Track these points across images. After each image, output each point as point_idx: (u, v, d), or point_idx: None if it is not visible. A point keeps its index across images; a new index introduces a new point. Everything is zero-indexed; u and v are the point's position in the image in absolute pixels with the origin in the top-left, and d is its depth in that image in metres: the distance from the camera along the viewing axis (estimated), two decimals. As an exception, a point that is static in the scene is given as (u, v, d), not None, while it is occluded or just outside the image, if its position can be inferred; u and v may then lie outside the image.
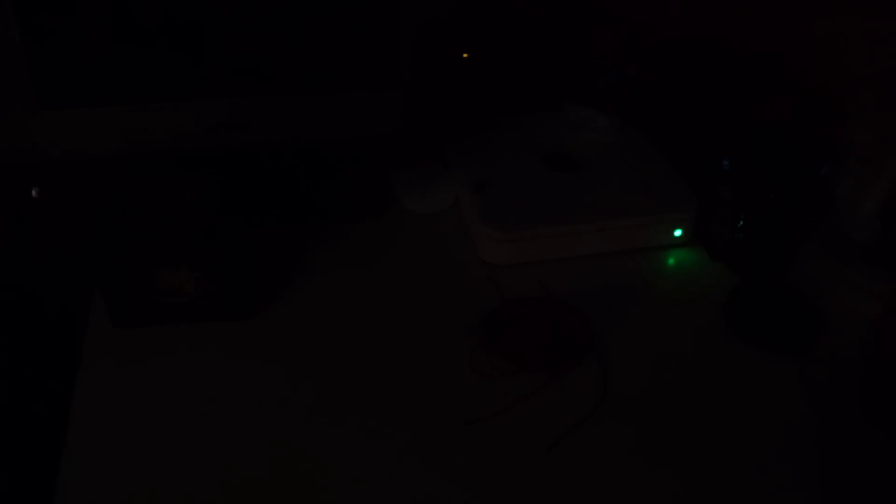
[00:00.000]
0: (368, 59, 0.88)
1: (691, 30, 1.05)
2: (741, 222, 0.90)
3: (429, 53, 0.88)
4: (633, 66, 1.09)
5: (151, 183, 0.84)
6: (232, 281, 0.80)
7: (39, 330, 1.11)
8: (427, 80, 0.89)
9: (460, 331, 0.83)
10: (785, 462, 0.72)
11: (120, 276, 0.78)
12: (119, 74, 0.84)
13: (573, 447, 0.72)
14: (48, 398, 1.03)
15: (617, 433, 0.74)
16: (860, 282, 0.89)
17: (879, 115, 0.93)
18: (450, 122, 0.93)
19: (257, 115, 0.88)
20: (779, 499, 0.69)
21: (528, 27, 1.12)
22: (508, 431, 0.73)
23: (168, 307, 0.81)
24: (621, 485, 0.70)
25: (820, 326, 0.85)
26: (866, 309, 0.84)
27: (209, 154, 0.94)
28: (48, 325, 1.10)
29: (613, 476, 0.70)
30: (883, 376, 0.75)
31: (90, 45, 0.82)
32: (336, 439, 0.72)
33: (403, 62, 0.88)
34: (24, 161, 0.87)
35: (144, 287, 0.79)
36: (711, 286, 0.89)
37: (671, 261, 0.94)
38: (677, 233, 0.94)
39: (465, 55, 0.89)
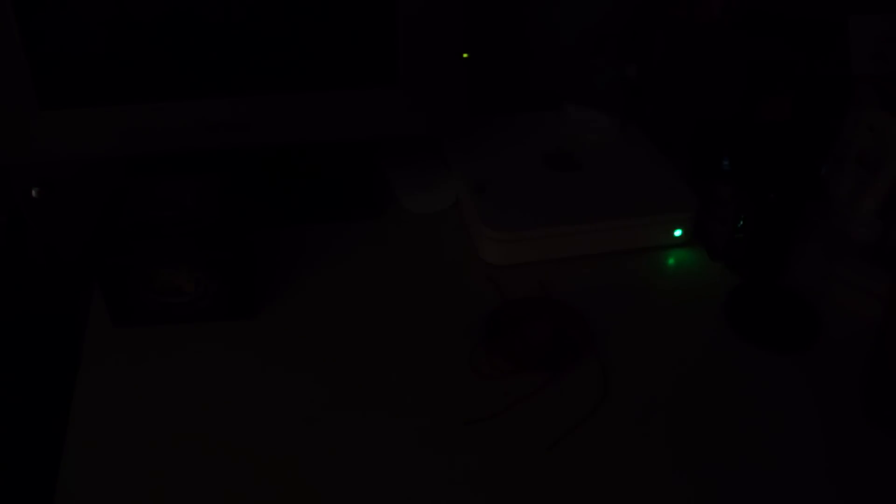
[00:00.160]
0: (368, 59, 0.88)
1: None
2: (741, 222, 0.90)
3: (429, 53, 0.88)
4: (633, 66, 1.09)
5: (151, 183, 0.84)
6: (232, 281, 0.80)
7: (39, 330, 1.11)
8: (427, 80, 0.89)
9: (460, 331, 0.83)
10: (785, 462, 0.72)
11: (120, 276, 0.78)
12: (119, 74, 0.84)
13: (573, 447, 0.72)
14: (48, 398, 1.03)
15: (617, 433, 0.74)
16: (860, 282, 0.89)
17: (879, 115, 0.93)
18: (449, 122, 0.93)
19: (257, 115, 0.88)
20: (779, 499, 0.69)
21: (528, 27, 1.12)
22: (508, 431, 0.73)
23: (168, 307, 0.81)
24: (621, 485, 0.70)
25: (820, 326, 0.85)
26: (866, 309, 0.84)
27: (209, 154, 0.94)
28: (48, 325, 1.10)
29: (613, 476, 0.70)
30: (883, 376, 0.75)
31: (90, 45, 0.82)
32: (336, 439, 0.72)
33: (403, 62, 0.88)
34: (24, 161, 0.87)
35: (144, 287, 0.79)
36: (711, 286, 0.89)
37: (671, 261, 0.94)
38: (677, 233, 0.94)
39: (465, 55, 0.89)
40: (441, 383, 0.78)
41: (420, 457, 0.71)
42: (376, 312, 0.85)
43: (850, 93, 0.99)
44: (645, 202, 0.93)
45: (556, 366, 0.79)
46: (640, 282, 0.90)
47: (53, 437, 0.76)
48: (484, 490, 0.69)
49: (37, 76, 0.81)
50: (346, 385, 0.77)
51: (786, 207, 0.91)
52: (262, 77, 0.87)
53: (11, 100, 0.82)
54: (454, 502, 0.68)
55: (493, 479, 0.70)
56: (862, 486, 0.71)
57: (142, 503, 0.67)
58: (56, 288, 1.10)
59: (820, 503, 0.69)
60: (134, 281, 0.79)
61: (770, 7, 1.03)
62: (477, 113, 1.04)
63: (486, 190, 0.94)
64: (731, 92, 1.04)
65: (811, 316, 0.86)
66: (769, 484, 0.70)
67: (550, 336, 0.82)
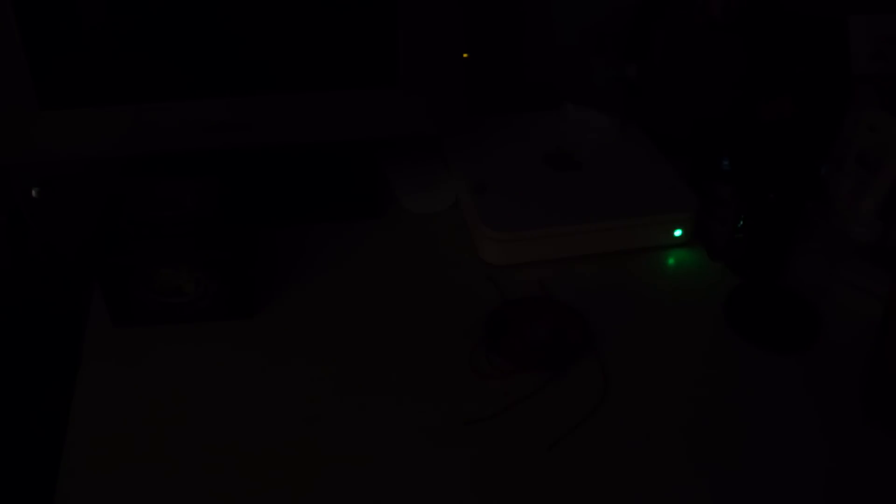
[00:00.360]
0: (368, 59, 0.88)
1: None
2: (741, 222, 0.90)
3: (429, 53, 0.88)
4: (633, 66, 1.09)
5: (151, 183, 0.84)
6: (232, 281, 0.80)
7: (39, 330, 1.11)
8: (427, 80, 0.89)
9: (460, 331, 0.83)
10: (785, 462, 0.72)
11: (120, 276, 0.78)
12: (119, 74, 0.84)
13: (573, 447, 0.72)
14: (48, 398, 1.03)
15: (617, 433, 0.74)
16: (860, 282, 0.89)
17: (879, 115, 0.93)
18: (449, 122, 0.93)
19: (257, 115, 0.88)
20: (779, 498, 0.69)
21: (528, 27, 1.12)
22: (508, 431, 0.74)
23: (168, 307, 0.81)
24: (621, 485, 0.70)
25: (820, 326, 0.85)
26: (866, 309, 0.84)
27: (209, 154, 0.94)
28: (48, 325, 1.10)
29: (613, 476, 0.70)
30: (883, 376, 0.75)
31: (90, 45, 0.82)
32: (336, 439, 0.72)
33: (403, 62, 0.88)
34: (24, 161, 0.87)
35: (144, 287, 0.79)
36: (711, 286, 0.89)
37: (671, 261, 0.94)
38: (677, 233, 0.94)
39: (465, 55, 0.89)
40: (441, 383, 0.78)
41: (420, 456, 0.71)
42: (376, 312, 0.85)
43: (850, 93, 0.99)
44: (645, 202, 0.93)
45: (556, 366, 0.79)
46: (640, 282, 0.90)
47: (53, 437, 0.76)
48: (484, 490, 0.69)
49: (37, 76, 0.81)
50: (347, 385, 0.77)
51: (786, 207, 0.91)
52: (262, 77, 0.87)
53: (11, 100, 0.82)
54: (455, 502, 0.68)
55: (493, 479, 0.70)
56: (862, 486, 0.71)
57: (142, 503, 0.67)
58: (56, 287, 1.10)
59: (820, 503, 0.69)
60: (134, 281, 0.79)
61: (770, 7, 1.03)
62: (477, 113, 1.04)
63: (486, 190, 0.94)
64: (731, 92, 1.04)
65: (811, 316, 0.86)
66: (769, 484, 0.70)
67: (550, 336, 0.82)
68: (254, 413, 0.74)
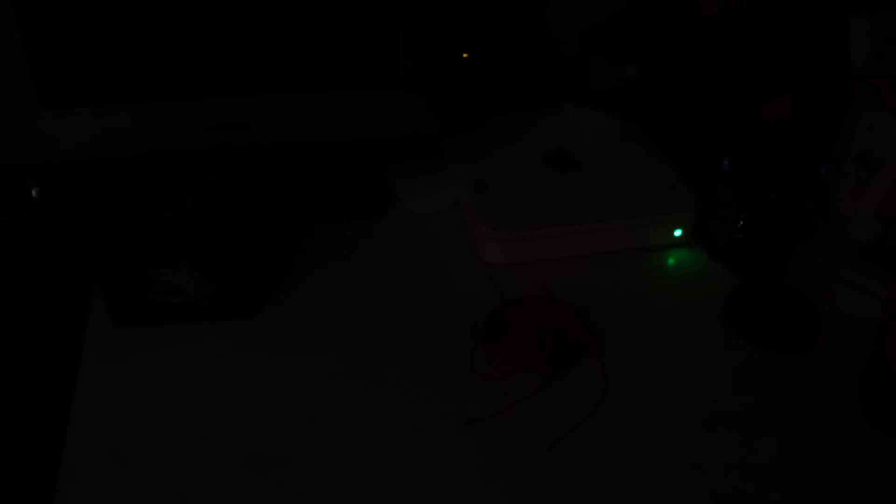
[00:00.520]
0: (368, 59, 0.88)
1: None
2: (741, 222, 0.90)
3: (429, 53, 0.88)
4: (633, 66, 1.09)
5: (151, 183, 0.84)
6: (232, 281, 0.80)
7: (39, 330, 1.11)
8: (427, 80, 0.89)
9: (460, 331, 0.83)
10: (785, 462, 0.72)
11: (120, 276, 0.78)
12: (119, 74, 0.84)
13: (573, 447, 0.72)
14: (48, 398, 1.03)
15: (617, 433, 0.74)
16: (860, 282, 0.89)
17: (879, 115, 0.93)
18: (449, 122, 0.93)
19: (257, 115, 0.88)
20: (779, 498, 0.69)
21: (528, 27, 1.12)
22: (508, 431, 0.74)
23: (168, 307, 0.81)
24: (621, 484, 0.70)
25: (820, 326, 0.85)
26: (866, 309, 0.84)
27: (209, 154, 0.94)
28: (48, 325, 1.10)
29: (613, 476, 0.70)
30: (883, 376, 0.75)
31: (90, 45, 0.82)
32: (336, 438, 0.72)
33: (403, 62, 0.88)
34: (24, 161, 0.87)
35: (145, 287, 0.79)
36: (711, 286, 0.89)
37: (671, 261, 0.94)
38: (677, 233, 0.94)
39: (465, 55, 0.89)
40: (441, 383, 0.78)
41: (420, 456, 0.71)
42: (376, 312, 0.85)
43: (850, 93, 0.99)
44: (645, 202, 0.93)
45: (556, 366, 0.79)
46: (640, 282, 0.90)
47: (53, 437, 0.76)
48: (484, 490, 0.69)
49: (37, 76, 0.81)
50: (347, 385, 0.77)
51: (786, 207, 0.91)
52: (262, 77, 0.87)
53: (11, 100, 0.82)
54: (455, 502, 0.68)
55: (493, 479, 0.70)
56: (862, 485, 0.71)
57: (142, 502, 0.67)
58: (56, 287, 1.10)
59: (820, 502, 0.69)
60: (134, 281, 0.79)
61: (770, 7, 1.03)
62: (477, 113, 1.04)
63: (486, 190, 0.94)
64: (731, 92, 1.04)
65: (811, 316, 0.86)
66: (769, 484, 0.70)
67: (550, 336, 0.82)
68: (254, 413, 0.74)
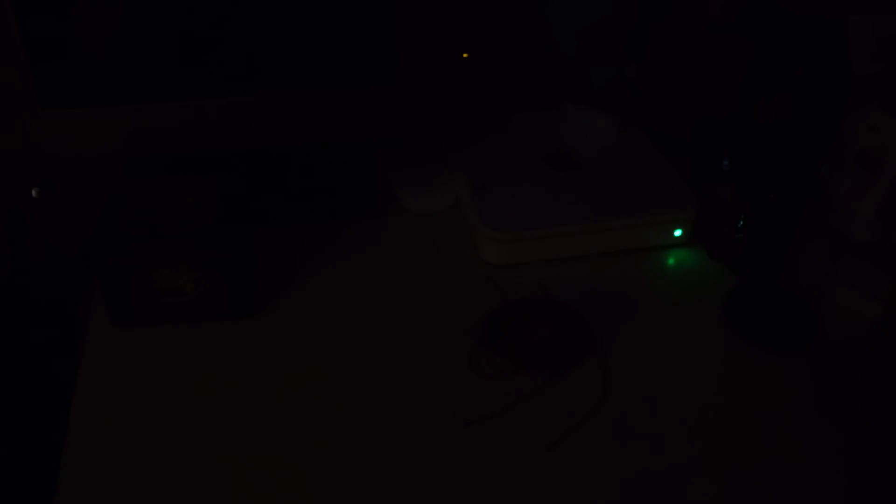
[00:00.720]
0: (368, 59, 0.88)
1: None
2: (741, 222, 0.90)
3: (429, 53, 0.88)
4: (633, 66, 1.09)
5: (151, 183, 0.84)
6: (232, 281, 0.80)
7: (39, 330, 1.11)
8: (427, 80, 0.89)
9: (460, 331, 0.83)
10: (785, 462, 0.72)
11: (120, 276, 0.78)
12: (119, 74, 0.84)
13: (573, 447, 0.72)
14: (48, 398, 1.03)
15: (617, 433, 0.74)
16: (860, 282, 0.89)
17: (879, 115, 0.93)
18: (449, 122, 0.93)
19: (257, 115, 0.88)
20: (778, 498, 0.69)
21: (528, 27, 1.12)
22: (508, 431, 0.74)
23: (168, 307, 0.81)
24: (621, 485, 0.70)
25: (820, 326, 0.85)
26: (866, 309, 0.84)
27: (209, 154, 0.94)
28: (48, 325, 1.10)
29: (613, 476, 0.70)
30: (883, 376, 0.75)
31: (90, 45, 0.82)
32: (336, 439, 0.72)
33: (403, 62, 0.88)
34: (24, 161, 0.87)
35: (144, 287, 0.79)
36: (711, 286, 0.89)
37: (671, 261, 0.94)
38: (677, 233, 0.94)
39: (465, 55, 0.89)
40: (441, 383, 0.78)
41: (420, 457, 0.71)
42: (376, 312, 0.85)
43: (850, 93, 0.99)
44: (645, 202, 0.93)
45: (556, 366, 0.79)
46: (639, 282, 0.90)
47: (53, 437, 0.76)
48: (484, 490, 0.69)
49: (37, 76, 0.81)
50: (346, 385, 0.77)
51: (786, 207, 0.91)
52: (262, 77, 0.87)
53: (11, 100, 0.82)
54: (455, 502, 0.68)
55: (493, 479, 0.70)
56: (862, 485, 0.71)
57: (142, 503, 0.67)
58: (56, 287, 1.10)
59: (819, 502, 0.69)
60: (134, 281, 0.79)
61: (770, 7, 1.03)
62: (477, 113, 1.04)
63: (486, 190, 0.94)
64: (731, 92, 1.04)
65: (811, 316, 0.86)
66: (769, 483, 0.70)
67: (550, 336, 0.82)
68: (254, 412, 0.74)
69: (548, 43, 1.13)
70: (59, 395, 0.82)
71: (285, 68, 0.87)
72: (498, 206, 0.92)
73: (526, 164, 0.99)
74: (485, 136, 1.04)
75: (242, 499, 0.68)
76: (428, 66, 0.88)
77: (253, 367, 0.79)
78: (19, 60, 0.80)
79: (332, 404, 0.75)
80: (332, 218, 0.96)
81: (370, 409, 0.75)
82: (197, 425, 0.73)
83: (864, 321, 0.83)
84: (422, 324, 0.84)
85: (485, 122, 1.06)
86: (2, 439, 1.05)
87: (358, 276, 0.89)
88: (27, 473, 1.03)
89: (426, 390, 0.77)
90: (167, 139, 0.87)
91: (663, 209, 0.93)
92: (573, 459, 0.71)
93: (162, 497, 0.67)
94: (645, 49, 1.08)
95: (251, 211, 0.94)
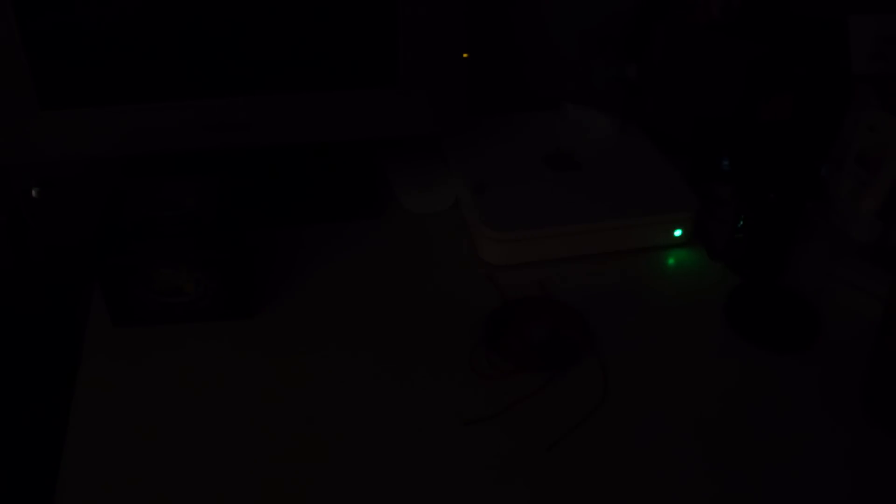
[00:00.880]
0: (368, 59, 0.88)
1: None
2: (741, 222, 0.90)
3: (429, 53, 0.88)
4: (633, 66, 1.09)
5: (151, 183, 0.84)
6: (231, 281, 0.80)
7: (39, 329, 1.11)
8: (427, 80, 0.89)
9: (460, 331, 0.83)
10: (784, 462, 0.72)
11: (120, 276, 0.78)
12: (119, 74, 0.84)
13: (573, 447, 0.72)
14: (48, 398, 1.03)
15: (617, 433, 0.74)
16: (860, 282, 0.89)
17: (879, 115, 0.93)
18: (449, 122, 0.93)
19: (257, 115, 0.88)
20: (779, 498, 0.69)
21: (529, 27, 1.12)
22: (508, 431, 0.73)
23: (168, 307, 0.81)
24: (621, 485, 0.70)
25: (820, 326, 0.85)
26: (866, 309, 0.84)
27: (209, 154, 0.94)
28: (48, 325, 1.10)
29: (613, 476, 0.70)
30: (883, 376, 0.75)
31: (90, 45, 0.82)
32: (335, 438, 0.72)
33: (403, 62, 0.88)
34: (24, 161, 0.87)
35: (144, 287, 0.79)
36: (711, 286, 0.89)
37: (671, 261, 0.94)
38: (677, 233, 0.94)
39: (465, 55, 0.89)
40: (441, 383, 0.78)
41: (420, 457, 0.71)
42: (376, 312, 0.85)
43: (850, 93, 0.99)
44: (645, 202, 0.93)
45: (556, 366, 0.79)
46: (639, 282, 0.90)
47: (53, 437, 0.76)
48: (484, 490, 0.69)
49: (37, 76, 0.81)
50: (346, 384, 0.77)
51: (786, 207, 0.91)
52: (262, 77, 0.87)
53: (11, 100, 0.82)
54: (454, 502, 0.68)
55: (493, 480, 0.70)
56: (862, 485, 0.71)
57: (142, 503, 0.67)
58: (56, 287, 1.10)
59: (819, 502, 0.69)
60: (134, 281, 0.79)
61: (769, 7, 1.03)
62: (477, 113, 1.04)
63: (486, 190, 0.94)
64: (731, 92, 1.04)
65: (811, 316, 0.86)
66: (769, 483, 0.70)
67: (550, 336, 0.82)
68: (254, 412, 0.74)
69: (548, 43, 1.13)
70: (59, 395, 0.82)
71: (285, 68, 0.87)
72: (498, 206, 0.92)
73: (526, 163, 0.99)
74: (485, 136, 1.04)
75: (242, 499, 0.67)
76: (428, 66, 0.88)
77: (253, 366, 0.79)
78: (19, 60, 0.80)
79: (331, 404, 0.75)
80: (332, 218, 0.96)
81: (370, 408, 0.75)
82: (197, 425, 0.73)
83: (864, 321, 0.83)
84: (422, 324, 0.84)
85: (485, 122, 1.06)
86: (2, 439, 1.05)
87: (358, 276, 0.89)
88: (27, 473, 1.03)
89: (426, 390, 0.77)
90: (167, 139, 0.87)
91: (663, 209, 0.93)
92: (573, 459, 0.71)
93: (162, 497, 0.67)
94: (645, 49, 1.08)
95: (251, 211, 0.94)
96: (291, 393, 0.76)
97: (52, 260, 1.08)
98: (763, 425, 0.75)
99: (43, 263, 1.08)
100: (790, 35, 1.02)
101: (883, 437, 0.74)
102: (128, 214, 0.80)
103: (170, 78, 0.85)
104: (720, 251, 0.93)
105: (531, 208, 0.92)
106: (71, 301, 1.05)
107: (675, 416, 0.75)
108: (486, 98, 1.07)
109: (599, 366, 0.80)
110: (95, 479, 0.68)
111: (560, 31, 1.12)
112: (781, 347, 0.83)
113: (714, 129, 1.03)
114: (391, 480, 0.69)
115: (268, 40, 0.85)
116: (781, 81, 1.02)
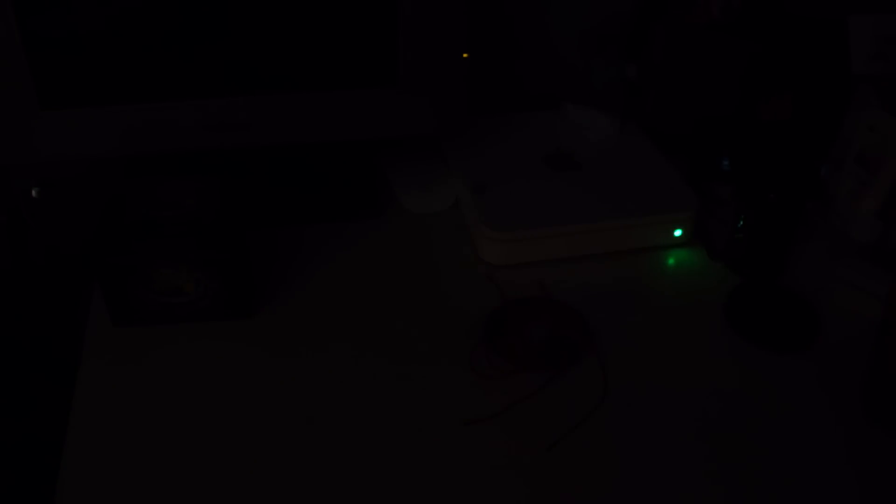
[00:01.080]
0: (368, 59, 0.88)
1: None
2: (741, 222, 0.90)
3: (429, 53, 0.88)
4: (633, 66, 1.09)
5: (152, 183, 0.84)
6: (231, 281, 0.80)
7: (39, 330, 1.11)
8: (427, 80, 0.89)
9: (460, 331, 0.83)
10: (784, 462, 0.72)
11: (120, 276, 0.78)
12: (119, 74, 0.84)
13: (573, 447, 0.72)
14: (48, 397, 1.03)
15: (617, 433, 0.74)
16: (860, 282, 0.89)
17: (879, 115, 0.93)
18: (449, 122, 0.93)
19: (257, 115, 0.88)
20: (779, 498, 0.69)
21: (528, 27, 1.12)
22: (508, 431, 0.73)
23: (168, 307, 0.81)
24: (621, 485, 0.70)
25: (820, 326, 0.85)
26: (866, 309, 0.84)
27: (209, 154, 0.94)
28: (48, 325, 1.10)
29: (613, 476, 0.70)
30: (883, 376, 0.75)
31: (90, 45, 0.82)
32: (336, 438, 0.72)
33: (403, 62, 0.88)
34: (24, 161, 0.87)
35: (145, 287, 0.79)
36: (711, 286, 0.89)
37: (671, 261, 0.94)
38: (677, 233, 0.94)
39: (465, 55, 0.89)
40: (441, 383, 0.78)
41: (419, 457, 0.71)
42: (376, 312, 0.85)
43: (850, 93, 0.99)
44: (645, 202, 0.93)
45: (556, 366, 0.79)
46: (639, 282, 0.90)
47: (53, 437, 0.76)
48: (484, 490, 0.69)
49: (37, 76, 0.81)
50: (346, 384, 0.77)
51: (786, 207, 0.91)
52: (262, 77, 0.87)
53: (11, 100, 0.82)
54: (454, 502, 0.68)
55: (492, 480, 0.70)
56: (862, 485, 0.71)
57: (142, 503, 0.67)
58: (56, 287, 1.10)
59: (819, 502, 0.69)
60: (134, 281, 0.79)
61: (770, 7, 1.03)
62: (477, 113, 1.04)
63: (486, 190, 0.94)
64: (731, 92, 1.04)
65: (811, 316, 0.86)
66: (769, 483, 0.70)
67: (550, 336, 0.82)
68: (254, 413, 0.74)
69: (548, 43, 1.13)
70: (59, 395, 0.82)
71: (285, 68, 0.87)
72: (498, 207, 0.92)
73: (526, 164, 0.99)
74: (485, 136, 1.04)
75: (242, 499, 0.67)
76: (428, 66, 0.89)
77: (253, 366, 0.79)
78: (19, 60, 0.80)
79: (331, 404, 0.75)
80: (332, 218, 0.96)
81: (370, 408, 0.75)
82: (197, 425, 0.73)
83: (864, 321, 0.83)
84: (422, 324, 0.84)
85: (485, 123, 1.06)
86: (2, 439, 1.05)
87: (358, 276, 0.89)
88: (27, 473, 1.03)
89: (426, 390, 0.77)
90: (167, 139, 0.87)
91: (663, 209, 0.93)
92: (573, 459, 0.71)
93: (162, 497, 0.67)
94: (645, 49, 1.08)
95: (251, 211, 0.94)
96: (291, 393, 0.76)
97: (52, 260, 1.08)
98: (763, 425, 0.75)
99: (43, 264, 1.08)
100: (790, 35, 1.03)
101: (883, 437, 0.74)
102: (128, 214, 0.80)
103: (170, 78, 0.85)
104: (720, 251, 0.93)
105: (531, 208, 0.92)
106: (71, 301, 1.05)
107: (675, 417, 0.75)
108: (487, 98, 1.07)
109: (599, 366, 0.80)
110: (95, 479, 0.68)
111: (560, 31, 1.12)
112: (781, 347, 0.83)
113: (714, 129, 1.03)
114: (391, 480, 0.69)
115: (268, 40, 0.85)
116: (781, 81, 1.02)
